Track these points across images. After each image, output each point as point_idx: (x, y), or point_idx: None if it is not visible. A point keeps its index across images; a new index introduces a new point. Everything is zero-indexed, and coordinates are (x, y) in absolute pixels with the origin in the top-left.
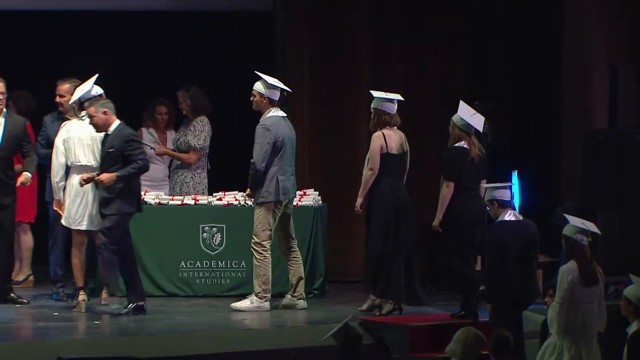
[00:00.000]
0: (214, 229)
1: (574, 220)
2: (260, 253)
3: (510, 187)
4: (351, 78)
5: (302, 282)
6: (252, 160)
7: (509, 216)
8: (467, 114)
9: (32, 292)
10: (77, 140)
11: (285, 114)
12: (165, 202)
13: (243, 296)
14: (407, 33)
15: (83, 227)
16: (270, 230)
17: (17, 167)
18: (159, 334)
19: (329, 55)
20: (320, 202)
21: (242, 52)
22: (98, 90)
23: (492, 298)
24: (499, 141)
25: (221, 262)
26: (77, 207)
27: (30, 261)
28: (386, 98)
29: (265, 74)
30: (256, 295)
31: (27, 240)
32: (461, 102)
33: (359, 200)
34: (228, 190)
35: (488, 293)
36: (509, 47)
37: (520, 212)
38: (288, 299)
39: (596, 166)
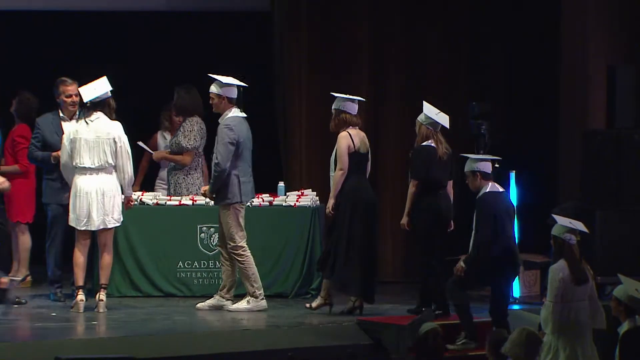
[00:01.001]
0: (211, 229)
1: (562, 220)
2: (241, 255)
3: (492, 161)
4: (350, 78)
5: (235, 285)
6: (216, 161)
7: (493, 187)
8: (433, 113)
9: (30, 292)
10: (84, 142)
11: (245, 115)
12: (163, 202)
13: (241, 296)
14: (407, 33)
15: (90, 228)
16: (243, 229)
17: (14, 167)
18: (156, 334)
19: (327, 55)
20: (318, 202)
21: (242, 52)
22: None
23: (470, 264)
24: (497, 141)
25: (219, 263)
26: (81, 207)
27: (28, 262)
28: (347, 98)
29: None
30: (252, 296)
31: (25, 240)
32: (425, 103)
33: (332, 202)
34: None
35: (471, 260)
36: (508, 47)
37: (518, 213)
38: (217, 298)
39: (595, 166)
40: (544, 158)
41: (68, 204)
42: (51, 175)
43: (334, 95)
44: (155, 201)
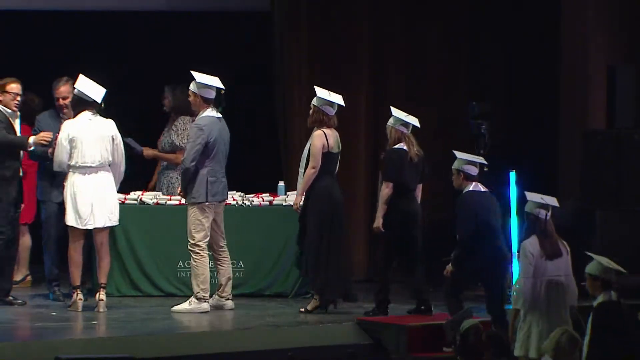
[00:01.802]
0: None
1: (533, 196)
2: (197, 253)
3: (481, 165)
4: (350, 78)
5: (230, 283)
6: (182, 159)
7: (476, 187)
8: (402, 115)
9: (30, 292)
10: (86, 141)
11: (220, 115)
12: (163, 202)
13: (241, 295)
14: (407, 33)
15: (95, 225)
16: (205, 230)
17: None
18: (156, 333)
19: (327, 55)
20: None
21: (242, 52)
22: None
23: (457, 263)
24: (497, 141)
25: None
26: (84, 206)
27: (28, 261)
28: (327, 100)
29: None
30: (195, 297)
31: (25, 240)
32: (393, 108)
33: (299, 199)
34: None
35: (456, 259)
36: (508, 47)
37: (519, 213)
38: (216, 299)
39: (595, 166)
40: (544, 158)
41: (61, 202)
42: (42, 173)
43: (315, 90)
44: (155, 201)
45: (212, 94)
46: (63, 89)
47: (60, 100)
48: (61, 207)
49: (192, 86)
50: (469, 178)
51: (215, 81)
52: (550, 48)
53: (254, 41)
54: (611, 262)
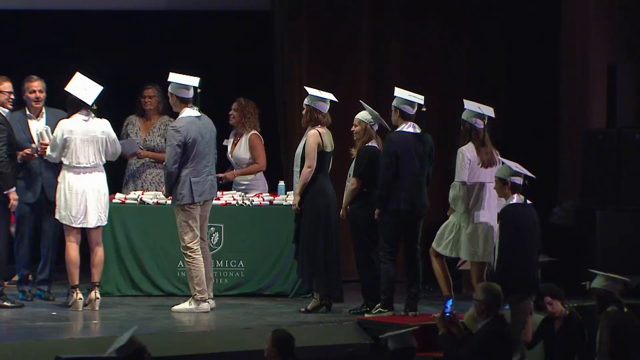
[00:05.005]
0: (212, 228)
1: (471, 105)
2: (189, 255)
3: (419, 105)
4: (350, 78)
5: (210, 283)
6: (164, 163)
7: (408, 127)
8: (375, 112)
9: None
10: (79, 142)
11: (199, 114)
12: (164, 201)
13: (241, 295)
14: (407, 33)
15: (87, 225)
16: (194, 230)
17: None
18: (157, 333)
19: (328, 54)
20: None
21: (242, 52)
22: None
23: (381, 205)
24: (497, 141)
25: (219, 262)
26: (77, 205)
27: None
28: (319, 97)
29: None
30: (193, 298)
31: None
32: (364, 103)
33: (297, 199)
34: (226, 190)
35: (379, 200)
36: (508, 46)
37: None
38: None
39: (595, 165)
40: (544, 157)
41: (33, 203)
42: (17, 175)
43: (307, 90)
44: (155, 201)
45: (188, 94)
46: (35, 83)
47: (36, 93)
48: (33, 209)
49: (169, 87)
50: (405, 117)
51: (190, 80)
52: (550, 47)
53: (254, 41)
54: (519, 167)
